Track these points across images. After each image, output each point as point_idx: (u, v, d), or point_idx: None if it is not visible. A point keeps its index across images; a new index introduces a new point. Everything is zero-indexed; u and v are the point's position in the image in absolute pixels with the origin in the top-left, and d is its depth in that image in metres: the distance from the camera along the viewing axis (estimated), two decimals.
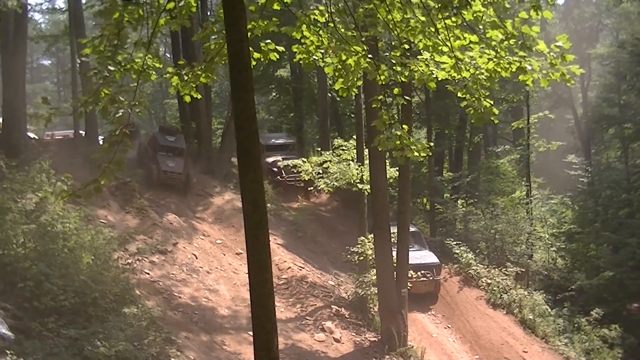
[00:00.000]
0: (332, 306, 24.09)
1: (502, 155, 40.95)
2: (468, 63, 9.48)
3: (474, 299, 28.48)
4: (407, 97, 11.89)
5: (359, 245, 25.23)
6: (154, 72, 9.37)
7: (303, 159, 31.16)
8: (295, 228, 31.65)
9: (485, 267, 30.34)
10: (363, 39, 9.82)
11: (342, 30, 9.85)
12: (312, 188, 32.84)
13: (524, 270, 31.17)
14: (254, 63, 9.32)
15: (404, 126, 9.66)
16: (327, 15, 9.81)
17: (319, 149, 34.07)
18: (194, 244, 26.45)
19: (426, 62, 9.79)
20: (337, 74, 10.21)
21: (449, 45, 9.36)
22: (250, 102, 7.96)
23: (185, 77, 10.08)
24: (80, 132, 37.17)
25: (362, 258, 25.11)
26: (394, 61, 9.89)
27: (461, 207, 37.35)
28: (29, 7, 52.36)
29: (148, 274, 22.54)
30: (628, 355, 27.57)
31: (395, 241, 23.77)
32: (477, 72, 9.49)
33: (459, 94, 9.88)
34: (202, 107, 35.12)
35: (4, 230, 17.11)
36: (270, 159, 36.01)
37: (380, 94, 10.03)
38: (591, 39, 63.57)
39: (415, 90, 34.34)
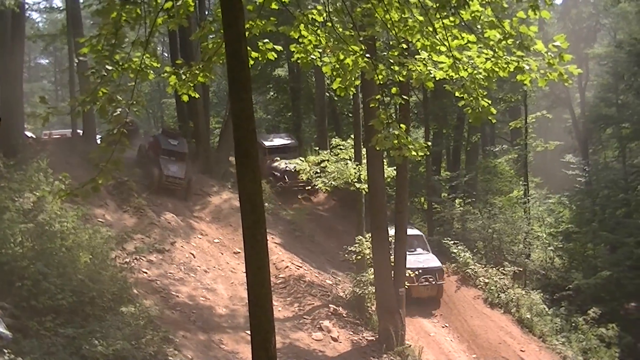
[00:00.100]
0: (330, 305, 24.11)
1: (499, 154, 40.96)
2: (466, 63, 9.49)
3: (471, 298, 28.51)
4: (404, 97, 11.92)
5: (356, 245, 25.24)
6: (151, 72, 9.36)
7: (301, 158, 31.15)
8: (293, 227, 31.66)
9: (483, 266, 30.37)
10: (361, 39, 9.83)
11: (340, 29, 9.85)
12: (309, 187, 32.77)
13: (521, 269, 31.23)
14: (251, 62, 9.33)
15: (401, 125, 9.66)
16: (325, 14, 9.81)
17: (317, 148, 34.10)
18: (191, 243, 26.46)
19: (424, 62, 9.80)
20: (334, 73, 10.22)
21: (447, 44, 9.36)
22: (248, 101, 7.96)
23: (183, 77, 10.08)
24: (78, 131, 37.14)
25: (359, 257, 25.11)
26: (391, 61, 9.90)
27: (459, 206, 37.37)
28: (27, 6, 52.23)
29: (146, 273, 22.55)
30: (625, 355, 27.58)
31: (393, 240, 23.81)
32: (475, 71, 9.50)
33: (457, 94, 9.88)
34: (200, 107, 35.11)
35: (2, 230, 17.11)
36: (272, 163, 35.48)
37: (378, 93, 10.05)
38: (589, 38, 63.61)
39: (413, 90, 34.28)
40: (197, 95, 10.48)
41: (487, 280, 29.09)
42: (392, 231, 23.86)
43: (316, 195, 35.69)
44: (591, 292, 32.22)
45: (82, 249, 18.21)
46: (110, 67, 8.59)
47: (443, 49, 9.48)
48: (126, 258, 21.30)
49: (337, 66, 10.05)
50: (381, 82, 10.13)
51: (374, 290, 23.54)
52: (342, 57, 9.87)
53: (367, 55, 9.89)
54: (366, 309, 24.44)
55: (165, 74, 10.14)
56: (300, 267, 26.95)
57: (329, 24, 9.83)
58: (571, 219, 40.48)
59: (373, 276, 23.43)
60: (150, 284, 21.96)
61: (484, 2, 9.01)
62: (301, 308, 23.93)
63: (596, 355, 26.55)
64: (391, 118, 9.65)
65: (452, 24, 9.30)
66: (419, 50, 9.86)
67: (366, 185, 24.65)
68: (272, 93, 48.47)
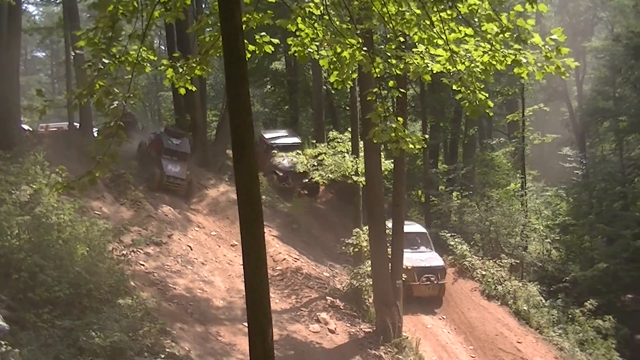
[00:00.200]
0: (327, 297, 24.14)
1: (497, 147, 41.04)
2: (463, 56, 9.48)
3: (468, 291, 28.56)
4: (402, 90, 11.92)
5: (353, 237, 25.27)
6: (148, 65, 9.34)
7: (298, 151, 31.10)
8: (291, 220, 31.68)
9: (480, 258, 30.44)
10: (358, 32, 9.83)
11: (337, 22, 9.85)
12: (307, 180, 32.56)
13: (518, 261, 31.28)
14: (248, 56, 9.31)
15: (399, 119, 9.68)
16: (322, 7, 9.80)
17: (314, 141, 34.06)
18: (188, 235, 26.48)
19: (421, 55, 9.79)
20: (332, 66, 10.20)
21: (444, 38, 9.36)
22: (245, 94, 7.94)
23: (180, 70, 10.06)
24: (75, 124, 37.13)
25: (357, 250, 25.15)
26: (389, 54, 9.90)
27: (456, 199, 37.47)
28: None
29: (143, 265, 22.58)
30: (622, 346, 27.66)
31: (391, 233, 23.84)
32: (472, 65, 9.50)
33: (454, 87, 9.88)
34: (197, 100, 35.06)
35: None
36: (275, 160, 34.50)
37: (375, 86, 10.06)
38: (586, 32, 63.50)
39: (410, 83, 34.29)
40: (194, 88, 10.46)
41: (484, 273, 29.14)
42: (389, 224, 23.89)
43: (319, 195, 35.49)
44: (588, 284, 32.30)
45: (79, 241, 18.24)
46: (107, 60, 8.57)
47: (440, 42, 9.47)
48: (123, 250, 21.36)
49: (335, 59, 10.04)
50: (378, 76, 10.14)
51: (371, 283, 23.54)
52: (339, 50, 9.86)
53: (365, 48, 9.88)
54: (363, 301, 24.47)
55: (162, 67, 10.13)
56: (298, 259, 26.98)
57: (326, 17, 9.82)
58: (568, 212, 40.55)
59: (370, 268, 23.42)
60: (147, 276, 21.98)
61: None
62: (298, 300, 23.97)
63: (593, 346, 26.64)
64: (388, 111, 9.66)
65: (449, 17, 9.29)
66: (416, 44, 9.85)
67: (363, 178, 24.66)
68: (269, 86, 48.45)
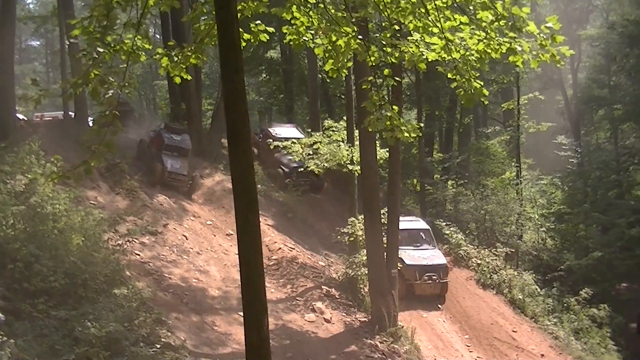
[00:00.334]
0: (323, 287, 24.15)
1: (492, 136, 41.09)
2: (458, 44, 9.48)
3: (463, 280, 28.63)
4: (397, 78, 11.87)
5: (349, 226, 25.27)
6: (143, 53, 9.33)
7: (293, 140, 31.01)
8: (286, 209, 31.62)
9: (475, 247, 30.51)
10: (353, 20, 9.81)
11: (332, 11, 9.83)
12: (310, 174, 32.13)
13: (513, 250, 31.34)
14: (244, 44, 9.29)
15: (394, 107, 9.68)
16: None
17: (309, 130, 33.97)
18: (184, 225, 26.44)
19: (416, 43, 9.79)
20: (327, 55, 10.20)
21: (439, 26, 9.35)
22: (240, 83, 7.94)
23: (175, 58, 10.05)
24: (70, 113, 36.96)
25: (352, 239, 25.16)
26: (384, 42, 9.89)
27: (451, 188, 37.50)
28: None
29: (138, 255, 22.54)
30: (616, 335, 27.77)
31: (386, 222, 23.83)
32: (467, 53, 9.50)
33: (449, 75, 9.88)
34: (192, 89, 34.94)
35: None
36: (280, 155, 33.62)
37: (371, 75, 10.06)
38: (581, 20, 63.34)
39: (406, 72, 34.28)
40: (189, 77, 10.45)
41: (479, 262, 29.22)
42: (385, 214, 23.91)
43: (322, 191, 35.20)
44: (583, 272, 32.37)
45: (74, 231, 18.20)
46: (101, 49, 8.55)
47: (435, 30, 9.47)
48: (118, 240, 21.30)
49: (330, 48, 10.03)
50: (373, 64, 10.13)
51: (366, 272, 23.55)
52: (334, 38, 9.85)
53: (360, 36, 9.88)
54: (359, 291, 24.47)
55: (157, 56, 10.11)
56: (293, 248, 26.98)
57: (321, 6, 9.80)
58: (563, 200, 40.66)
59: (366, 258, 23.43)
60: (142, 266, 21.95)
61: None
62: (294, 290, 23.97)
63: (587, 335, 26.73)
64: (383, 100, 9.66)
65: (445, 5, 9.29)
66: (412, 32, 9.85)
67: (359, 167, 24.65)
68: (264, 75, 48.38)
